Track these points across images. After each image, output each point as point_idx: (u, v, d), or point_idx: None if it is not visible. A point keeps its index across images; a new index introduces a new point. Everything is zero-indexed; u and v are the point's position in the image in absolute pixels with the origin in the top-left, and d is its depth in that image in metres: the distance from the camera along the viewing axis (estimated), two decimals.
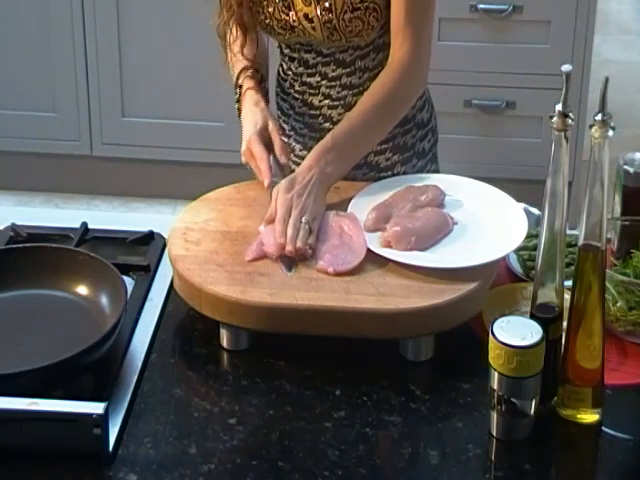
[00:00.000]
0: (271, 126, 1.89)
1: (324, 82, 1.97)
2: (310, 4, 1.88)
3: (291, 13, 1.90)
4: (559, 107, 1.41)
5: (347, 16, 1.87)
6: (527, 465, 1.44)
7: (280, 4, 1.90)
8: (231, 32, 1.98)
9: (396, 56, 1.88)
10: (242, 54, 1.99)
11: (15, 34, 3.66)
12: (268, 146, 1.87)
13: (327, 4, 1.86)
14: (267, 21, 1.92)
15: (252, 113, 1.92)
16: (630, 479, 1.46)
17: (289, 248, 1.67)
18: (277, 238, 1.69)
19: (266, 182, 1.82)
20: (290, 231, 1.70)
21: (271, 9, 1.91)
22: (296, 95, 2.02)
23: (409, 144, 2.04)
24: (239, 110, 1.97)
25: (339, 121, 1.98)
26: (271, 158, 1.86)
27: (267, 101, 1.98)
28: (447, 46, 3.42)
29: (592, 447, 1.50)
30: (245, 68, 1.98)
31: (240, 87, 1.98)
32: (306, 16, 1.89)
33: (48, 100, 3.72)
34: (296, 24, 1.90)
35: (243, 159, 1.89)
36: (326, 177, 1.80)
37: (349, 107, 1.97)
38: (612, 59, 4.46)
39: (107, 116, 3.72)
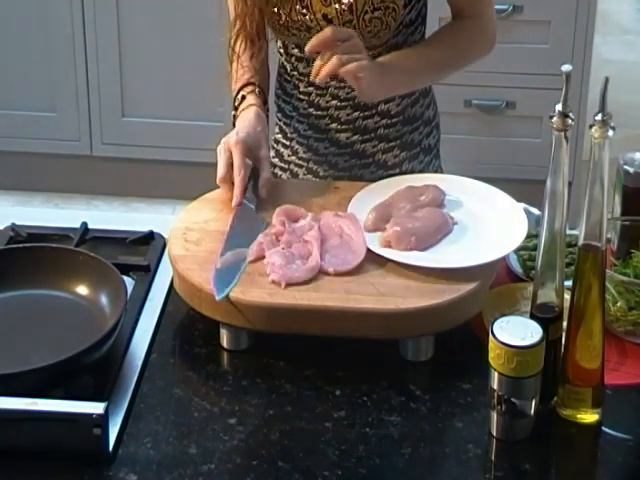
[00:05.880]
0: (264, 153, 1.84)
1: (333, 82, 1.95)
2: (329, 4, 1.86)
3: (309, 14, 1.88)
4: (559, 107, 1.41)
5: (367, 16, 1.85)
6: (527, 465, 1.44)
7: (297, 5, 1.87)
8: (241, 45, 1.94)
9: (467, 19, 1.93)
10: (250, 62, 1.96)
11: (15, 34, 3.67)
12: (247, 164, 1.82)
13: (348, 4, 1.85)
14: (281, 21, 1.90)
15: (256, 120, 1.87)
16: (630, 479, 1.46)
17: None
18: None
19: (235, 202, 1.77)
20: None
21: (287, 10, 1.88)
22: (301, 96, 2.00)
23: (416, 141, 2.03)
24: (235, 117, 1.93)
25: (347, 121, 1.98)
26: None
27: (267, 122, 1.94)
28: None
29: (592, 447, 1.50)
30: (251, 84, 1.95)
31: (243, 98, 1.94)
32: (325, 16, 1.87)
33: (48, 100, 3.72)
34: (313, 24, 1.88)
35: (219, 148, 1.82)
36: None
37: (357, 108, 1.96)
38: (612, 59, 4.46)
39: (107, 116, 3.72)
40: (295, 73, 1.99)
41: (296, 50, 1.97)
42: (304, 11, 1.88)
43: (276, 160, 2.09)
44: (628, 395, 1.56)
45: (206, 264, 1.65)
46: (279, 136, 2.09)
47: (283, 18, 1.89)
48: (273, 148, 2.11)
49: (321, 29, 1.87)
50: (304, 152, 2.04)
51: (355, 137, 1.99)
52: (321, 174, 2.04)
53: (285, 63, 2.01)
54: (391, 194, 1.80)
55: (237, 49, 1.95)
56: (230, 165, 1.80)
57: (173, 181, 3.77)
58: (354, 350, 1.61)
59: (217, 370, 1.61)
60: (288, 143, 2.06)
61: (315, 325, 1.58)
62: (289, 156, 2.07)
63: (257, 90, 1.95)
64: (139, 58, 3.65)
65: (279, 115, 2.08)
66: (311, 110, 2.00)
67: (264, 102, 1.95)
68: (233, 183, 1.79)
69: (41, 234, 1.84)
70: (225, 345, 1.63)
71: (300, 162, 2.05)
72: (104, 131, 3.74)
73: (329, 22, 1.87)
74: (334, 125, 1.99)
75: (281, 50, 2.00)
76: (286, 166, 2.08)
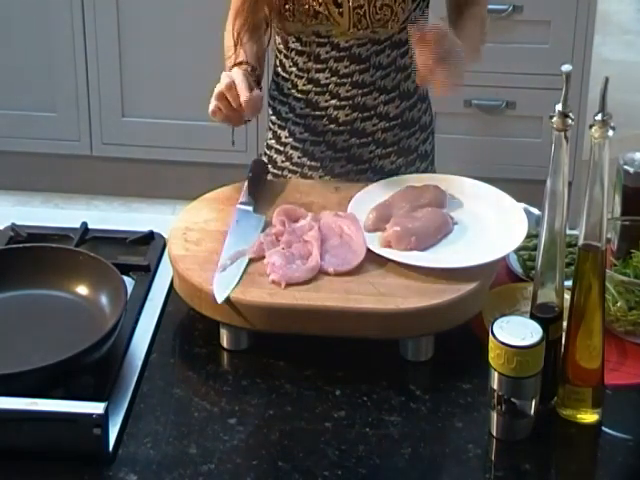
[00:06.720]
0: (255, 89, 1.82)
1: (334, 79, 1.94)
2: None
3: None
4: (559, 107, 1.41)
5: (379, 3, 1.85)
6: (527, 465, 1.44)
7: None
8: (244, 34, 1.92)
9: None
10: (251, 53, 1.93)
11: (15, 34, 3.67)
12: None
13: None
14: (287, 6, 1.88)
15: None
16: (630, 479, 1.46)
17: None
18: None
19: (245, 95, 1.75)
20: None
21: None
22: (299, 95, 1.99)
23: (413, 147, 2.03)
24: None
25: (345, 123, 1.97)
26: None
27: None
28: None
29: (592, 447, 1.50)
30: (247, 63, 1.90)
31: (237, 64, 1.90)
32: (335, 1, 1.86)
33: (48, 100, 3.72)
34: (321, 9, 1.87)
35: (212, 105, 1.82)
36: None
37: (356, 108, 1.95)
38: (612, 59, 4.46)
39: (107, 116, 3.72)
40: (294, 69, 1.98)
41: (297, 44, 1.95)
42: None
43: (269, 166, 2.06)
44: (628, 395, 1.56)
45: (206, 264, 1.65)
46: (272, 142, 2.07)
47: (290, 2, 1.88)
48: (265, 154, 2.09)
49: (329, 14, 1.87)
50: (299, 157, 2.03)
51: (352, 140, 1.99)
52: None
53: (283, 60, 1.99)
54: (391, 194, 1.80)
55: (242, 36, 1.91)
56: (229, 86, 1.78)
57: (173, 181, 3.77)
58: (354, 350, 1.61)
59: (217, 370, 1.61)
60: (282, 148, 2.05)
61: (315, 325, 1.58)
62: (282, 162, 2.05)
63: (250, 69, 1.89)
64: (139, 58, 3.65)
65: (273, 119, 2.06)
66: (308, 110, 1.99)
67: (256, 81, 1.90)
68: (229, 105, 1.79)
69: (41, 234, 1.85)
70: (225, 345, 1.63)
71: (294, 168, 2.04)
72: (104, 131, 3.74)
73: (338, 6, 1.86)
74: (332, 126, 1.98)
75: (280, 46, 1.99)
76: (279, 172, 2.06)
